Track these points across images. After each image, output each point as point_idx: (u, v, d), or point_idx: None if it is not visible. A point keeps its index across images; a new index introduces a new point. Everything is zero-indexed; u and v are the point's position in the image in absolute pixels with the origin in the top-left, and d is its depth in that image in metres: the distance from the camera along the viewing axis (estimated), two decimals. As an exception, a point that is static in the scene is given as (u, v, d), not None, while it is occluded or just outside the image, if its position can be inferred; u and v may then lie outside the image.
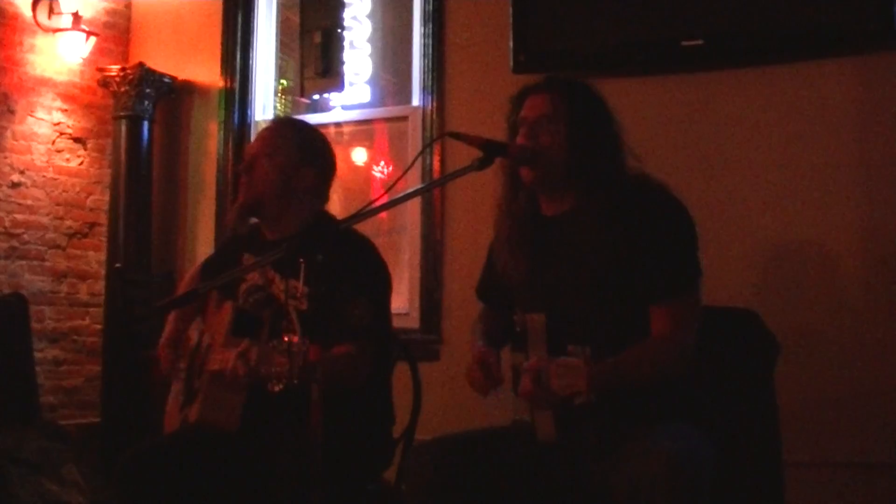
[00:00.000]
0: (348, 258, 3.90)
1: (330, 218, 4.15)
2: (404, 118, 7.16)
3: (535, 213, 3.58)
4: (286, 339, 2.85)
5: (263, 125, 7.43)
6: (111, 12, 8.14)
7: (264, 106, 7.87)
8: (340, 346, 3.66)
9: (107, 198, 7.88)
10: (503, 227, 3.67)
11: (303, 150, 4.11)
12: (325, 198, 4.22)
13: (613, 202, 3.34)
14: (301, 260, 3.15)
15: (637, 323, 3.29)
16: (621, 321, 3.32)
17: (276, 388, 2.90)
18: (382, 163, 7.42)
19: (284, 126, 4.28)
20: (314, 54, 7.21)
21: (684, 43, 5.84)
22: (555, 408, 3.13)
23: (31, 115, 7.48)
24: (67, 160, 7.73)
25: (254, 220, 4.20)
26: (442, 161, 6.67)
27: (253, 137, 7.63)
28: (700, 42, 5.81)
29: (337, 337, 3.64)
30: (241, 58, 7.78)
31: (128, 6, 8.29)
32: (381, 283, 4.06)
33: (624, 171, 3.46)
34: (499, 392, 3.36)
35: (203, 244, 7.66)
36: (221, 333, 3.82)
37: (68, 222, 7.73)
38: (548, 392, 3.01)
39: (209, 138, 7.85)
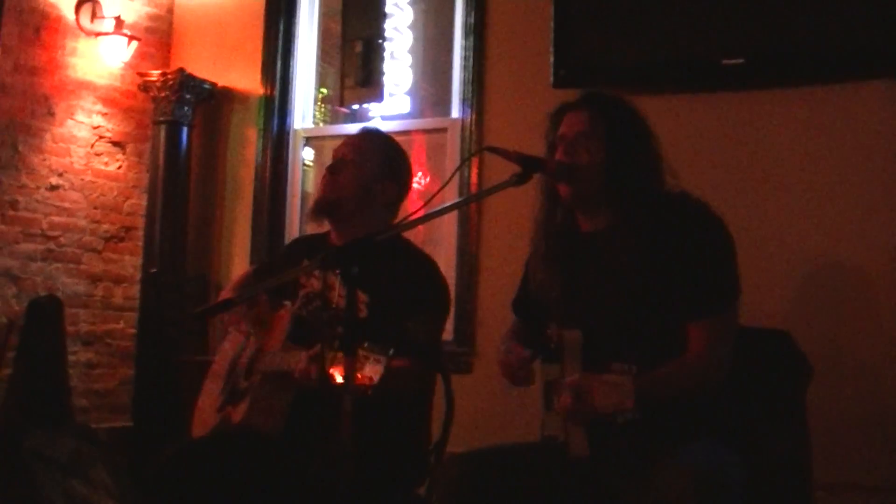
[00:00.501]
0: (413, 274, 3.96)
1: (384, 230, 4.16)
2: (443, 130, 7.16)
3: (573, 229, 3.56)
4: (365, 346, 2.85)
5: (302, 133, 7.49)
6: (153, 17, 8.18)
7: (303, 114, 7.87)
8: (397, 360, 3.65)
9: (144, 202, 7.92)
10: (539, 242, 3.66)
11: (389, 165, 4.15)
12: (397, 213, 4.24)
13: (652, 219, 3.32)
14: (337, 271, 3.15)
15: (673, 340, 3.26)
16: (657, 338, 3.29)
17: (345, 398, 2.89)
18: (420, 174, 7.43)
19: (376, 137, 4.28)
20: (355, 64, 7.24)
21: (725, 61, 5.83)
22: (588, 425, 3.12)
23: (72, 118, 7.51)
24: (106, 164, 7.76)
25: (322, 223, 4.20)
26: (480, 174, 6.67)
27: (291, 146, 7.66)
28: (741, 61, 5.79)
29: (394, 349, 3.64)
30: (281, 66, 7.78)
31: (170, 11, 8.32)
32: (443, 303, 4.10)
33: (662, 188, 3.44)
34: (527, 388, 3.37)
35: (238, 251, 7.68)
36: (277, 337, 3.84)
37: (105, 226, 7.76)
38: (589, 408, 3.00)
39: (247, 145, 7.86)
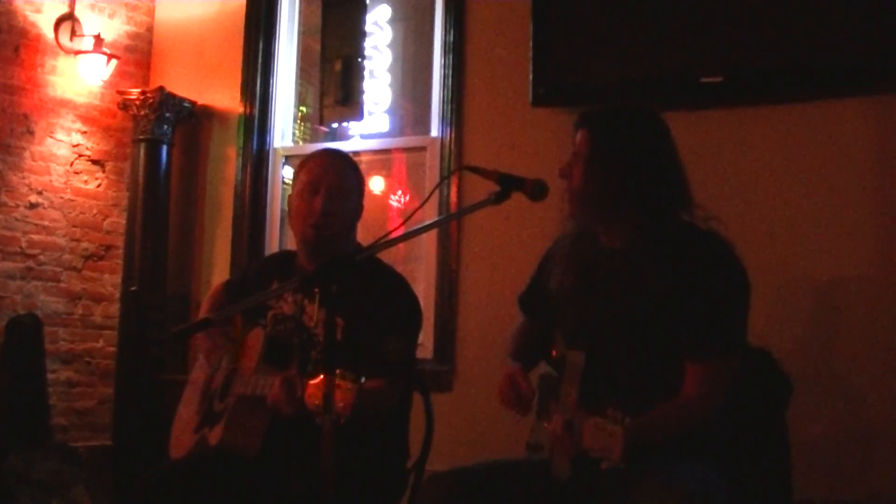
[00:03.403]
0: (385, 293, 3.95)
1: (361, 250, 4.14)
2: (422, 148, 7.16)
3: (595, 241, 3.55)
4: (338, 373, 2.85)
5: (282, 152, 7.50)
6: (133, 35, 8.18)
7: (283, 133, 7.87)
8: (371, 381, 3.64)
9: (123, 221, 7.91)
10: (560, 245, 3.67)
11: (361, 187, 4.19)
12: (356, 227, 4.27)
13: (671, 246, 3.31)
14: (315, 290, 3.16)
15: (673, 375, 3.26)
16: (658, 371, 3.30)
17: (323, 422, 2.88)
18: (400, 192, 7.44)
19: (348, 164, 4.18)
20: (334, 82, 7.23)
21: (704, 79, 5.85)
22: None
23: (51, 137, 7.50)
24: (85, 182, 7.76)
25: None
26: (459, 192, 6.67)
27: (271, 164, 7.67)
28: (719, 78, 5.81)
29: (369, 370, 3.63)
30: (261, 84, 7.79)
31: (149, 30, 8.32)
32: (415, 320, 4.10)
33: (679, 209, 3.44)
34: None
35: (219, 269, 7.67)
36: (250, 359, 3.84)
37: (84, 244, 7.75)
38: (577, 444, 3.00)
39: (227, 164, 7.86)
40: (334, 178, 4.06)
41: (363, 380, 2.88)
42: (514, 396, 3.43)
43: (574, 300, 3.53)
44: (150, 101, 7.66)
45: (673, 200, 3.43)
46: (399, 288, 4.08)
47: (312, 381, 2.99)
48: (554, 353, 3.39)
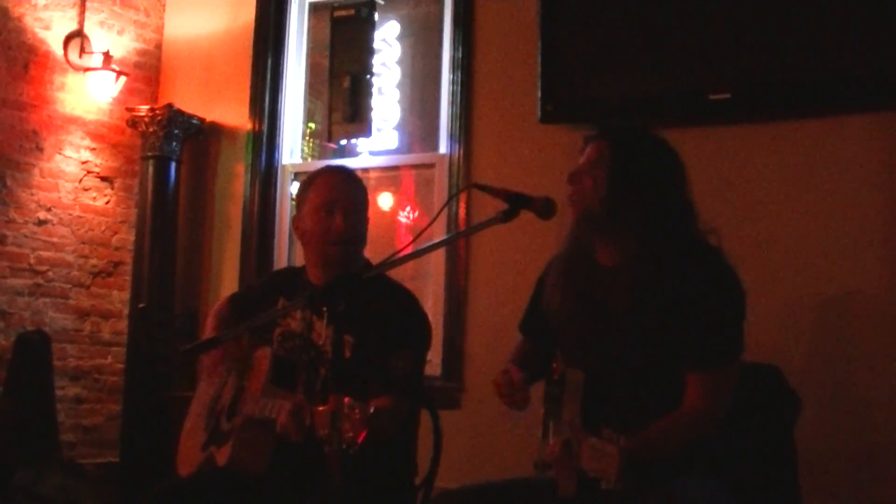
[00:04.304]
0: (394, 310, 3.95)
1: (370, 267, 4.13)
2: (431, 165, 7.17)
3: (591, 260, 3.55)
4: (346, 402, 2.84)
5: (290, 169, 7.51)
6: (142, 52, 8.21)
7: (291, 149, 7.88)
8: (379, 399, 3.63)
9: (132, 237, 7.92)
10: (557, 263, 3.66)
11: (368, 203, 4.18)
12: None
13: (667, 261, 3.31)
14: (324, 308, 3.15)
15: (670, 386, 3.26)
16: (655, 382, 3.31)
17: (328, 449, 2.87)
18: (408, 208, 7.43)
19: (357, 181, 4.20)
20: (343, 99, 7.23)
21: (711, 96, 5.84)
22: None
23: (60, 153, 7.52)
24: (94, 199, 7.77)
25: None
26: (468, 209, 6.66)
27: (280, 181, 7.68)
28: (727, 95, 5.81)
29: (377, 388, 3.62)
30: (269, 101, 7.80)
31: (158, 47, 8.35)
32: (424, 337, 4.09)
33: (684, 228, 3.44)
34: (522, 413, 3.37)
35: (227, 286, 7.66)
36: (258, 379, 3.83)
37: (93, 261, 7.76)
38: (576, 465, 3.00)
39: (236, 180, 7.87)
40: (350, 195, 4.09)
41: (372, 409, 2.86)
42: (507, 385, 3.43)
43: (574, 321, 3.52)
44: (159, 117, 7.67)
45: (682, 219, 3.44)
46: (408, 305, 4.08)
47: (321, 409, 2.97)
48: (555, 372, 3.38)
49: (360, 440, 2.82)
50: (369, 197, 4.22)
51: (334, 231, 3.98)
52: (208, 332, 4.31)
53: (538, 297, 3.79)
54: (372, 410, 2.84)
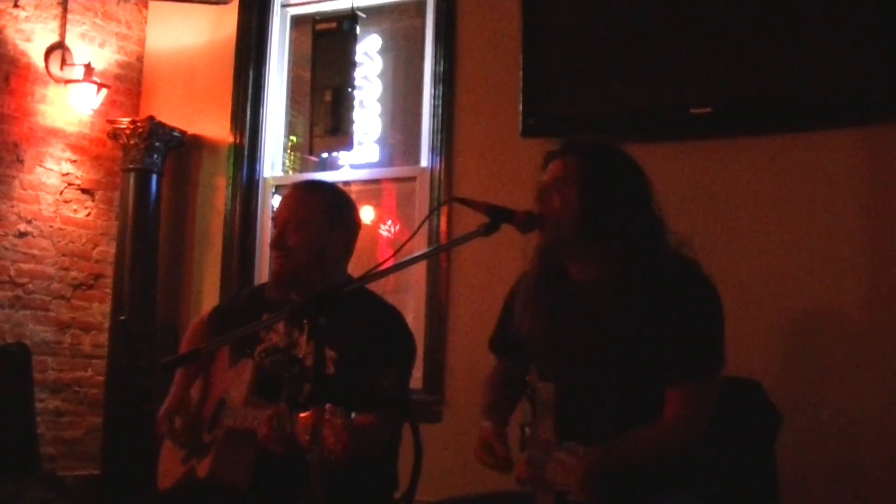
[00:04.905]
0: (379, 327, 3.92)
1: (352, 281, 4.11)
2: (412, 178, 7.18)
3: (562, 276, 3.54)
4: (328, 409, 2.83)
5: (272, 182, 7.51)
6: (123, 65, 8.19)
7: (273, 162, 7.89)
8: (364, 415, 3.62)
9: (113, 250, 7.90)
10: (525, 282, 3.65)
11: (332, 216, 4.07)
12: (350, 256, 4.21)
13: (641, 275, 3.29)
14: (305, 322, 3.14)
15: (649, 400, 3.24)
16: (634, 397, 3.28)
17: (313, 457, 2.86)
18: (390, 222, 7.44)
19: (309, 193, 4.16)
20: (324, 112, 7.22)
21: (693, 110, 5.87)
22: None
23: (40, 165, 7.50)
24: (75, 211, 7.75)
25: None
26: (449, 223, 6.68)
27: (261, 194, 7.68)
28: (709, 109, 5.84)
29: (362, 405, 3.60)
30: (251, 114, 7.81)
31: (139, 59, 8.34)
32: (409, 354, 4.06)
33: (655, 240, 3.43)
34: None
35: (208, 299, 7.65)
36: (240, 391, 3.82)
37: (73, 273, 7.74)
38: (543, 481, 2.99)
39: (217, 193, 7.86)
40: (288, 209, 4.08)
41: (353, 415, 2.86)
42: (492, 460, 3.41)
43: (547, 338, 3.50)
44: (140, 130, 7.66)
45: (653, 232, 3.43)
46: (393, 321, 4.05)
47: (302, 415, 2.96)
48: (528, 389, 3.38)
49: (342, 447, 2.82)
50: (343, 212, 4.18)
51: (271, 245, 4.03)
52: (185, 344, 4.32)
53: (507, 317, 3.78)
54: (353, 416, 2.84)
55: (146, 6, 8.42)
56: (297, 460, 2.92)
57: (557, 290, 3.52)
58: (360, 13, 7.40)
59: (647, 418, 3.21)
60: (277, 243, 4.02)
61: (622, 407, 3.28)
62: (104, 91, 7.75)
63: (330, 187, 4.34)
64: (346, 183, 7.38)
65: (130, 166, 7.74)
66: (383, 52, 7.53)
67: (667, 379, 3.24)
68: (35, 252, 7.46)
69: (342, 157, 7.48)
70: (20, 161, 7.36)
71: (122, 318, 7.51)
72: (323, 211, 4.06)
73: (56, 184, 7.61)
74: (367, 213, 7.49)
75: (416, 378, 6.63)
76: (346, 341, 3.69)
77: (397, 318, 4.08)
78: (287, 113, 8.00)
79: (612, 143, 3.62)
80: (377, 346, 3.84)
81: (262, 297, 4.30)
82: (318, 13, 7.63)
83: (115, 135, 7.80)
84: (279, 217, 4.08)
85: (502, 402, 3.68)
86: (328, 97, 7.23)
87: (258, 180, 7.78)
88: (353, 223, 4.18)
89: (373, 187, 7.49)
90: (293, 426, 3.17)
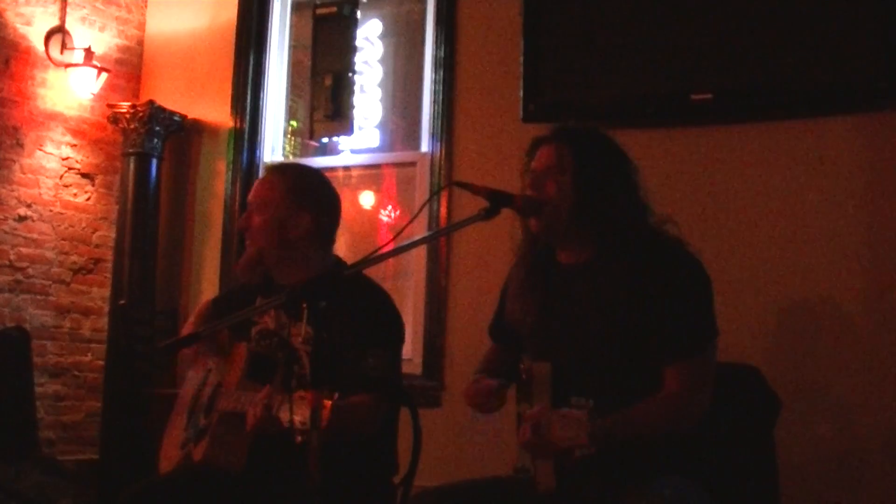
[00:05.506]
0: (366, 308, 3.91)
1: (342, 265, 4.11)
2: (413, 164, 7.18)
3: (551, 261, 3.55)
4: (312, 391, 2.83)
5: (272, 166, 7.46)
6: (123, 49, 8.18)
7: (273, 147, 7.88)
8: (356, 396, 3.62)
9: (113, 234, 7.90)
10: (516, 272, 3.66)
11: (294, 197, 4.03)
12: (329, 240, 4.17)
13: (629, 257, 3.31)
14: (304, 305, 3.13)
15: (644, 379, 3.26)
16: (628, 376, 3.29)
17: (300, 439, 2.86)
18: (390, 207, 7.43)
19: (274, 175, 4.16)
20: (324, 97, 7.20)
21: (694, 96, 5.86)
22: (555, 458, 3.11)
23: (40, 149, 7.49)
24: (75, 195, 7.74)
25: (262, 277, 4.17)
26: (449, 208, 6.67)
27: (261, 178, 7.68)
28: (709, 96, 5.82)
29: (352, 386, 3.60)
30: (251, 98, 7.80)
31: (140, 43, 8.33)
32: (397, 334, 4.06)
33: (642, 223, 3.44)
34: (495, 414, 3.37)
35: (208, 283, 7.66)
36: (234, 374, 3.82)
37: (73, 257, 7.74)
38: (547, 442, 2.99)
39: (217, 178, 7.86)
40: (254, 192, 4.12)
41: (336, 395, 2.85)
42: (476, 392, 3.43)
43: (540, 324, 3.52)
44: (140, 114, 7.65)
45: (641, 213, 3.45)
46: (380, 302, 4.04)
47: (295, 395, 2.96)
48: (522, 373, 3.38)
49: (323, 426, 2.81)
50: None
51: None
52: (187, 330, 4.31)
53: (504, 305, 3.80)
54: (336, 396, 2.84)
55: (147, -10, 8.42)
56: (294, 443, 2.91)
57: (547, 275, 3.54)
58: (360, -2, 7.39)
59: (642, 398, 3.22)
60: (242, 225, 4.08)
61: (617, 388, 3.28)
62: (104, 75, 7.74)
63: (298, 169, 4.33)
64: (347, 168, 7.39)
65: (130, 150, 7.73)
66: (384, 36, 7.52)
67: (663, 359, 3.26)
68: (35, 236, 7.46)
69: (342, 141, 7.48)
70: (20, 145, 7.36)
71: (122, 302, 7.51)
72: (284, 191, 4.04)
73: (56, 168, 7.61)
74: (367, 199, 7.49)
75: (416, 364, 6.65)
76: (335, 323, 3.67)
77: (385, 299, 4.07)
78: (287, 97, 8.00)
79: (599, 128, 3.62)
80: (365, 327, 3.83)
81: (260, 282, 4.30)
82: (319, -2, 7.61)
83: (115, 119, 7.79)
84: (249, 201, 4.11)
85: (497, 370, 3.70)
86: (328, 82, 7.21)
87: (258, 165, 7.78)
88: (325, 204, 4.13)
89: (373, 172, 7.47)
90: (280, 409, 3.18)
